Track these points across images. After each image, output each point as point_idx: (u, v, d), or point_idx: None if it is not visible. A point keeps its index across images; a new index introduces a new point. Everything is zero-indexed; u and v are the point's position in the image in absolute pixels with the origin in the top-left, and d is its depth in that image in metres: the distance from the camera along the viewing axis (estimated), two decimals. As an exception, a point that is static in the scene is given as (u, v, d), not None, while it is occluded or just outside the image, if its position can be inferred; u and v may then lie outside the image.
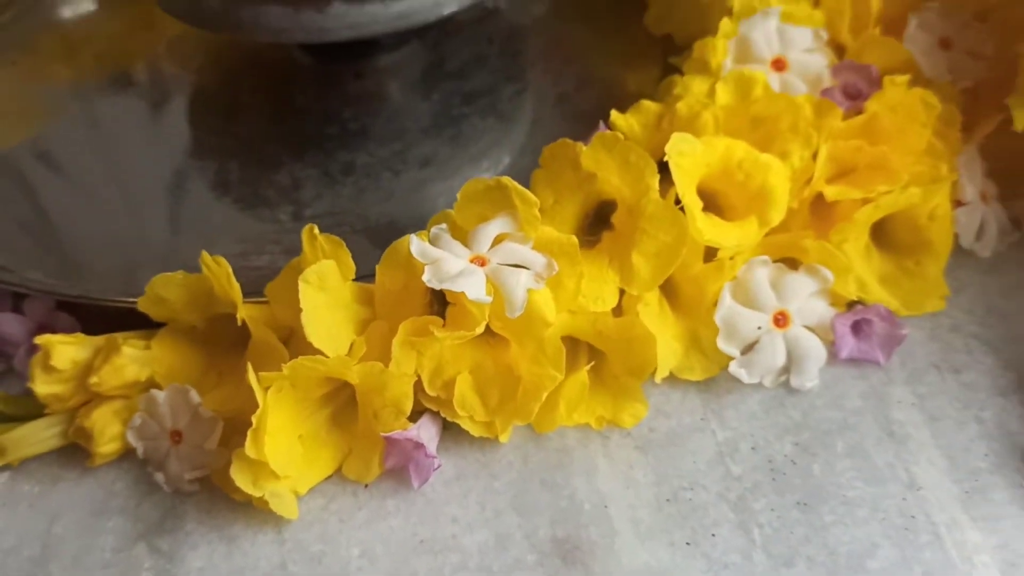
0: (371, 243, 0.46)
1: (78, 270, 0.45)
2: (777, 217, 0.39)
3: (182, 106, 0.56)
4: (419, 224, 0.46)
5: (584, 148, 0.37)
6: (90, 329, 0.39)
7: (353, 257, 0.36)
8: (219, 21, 0.49)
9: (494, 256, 0.35)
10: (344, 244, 0.36)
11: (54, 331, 0.40)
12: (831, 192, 0.40)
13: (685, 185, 0.38)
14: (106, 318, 0.39)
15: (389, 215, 0.47)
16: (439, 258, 0.34)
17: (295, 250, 0.44)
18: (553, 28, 0.59)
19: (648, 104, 0.41)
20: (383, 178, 0.49)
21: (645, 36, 0.55)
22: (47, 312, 0.40)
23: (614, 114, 0.41)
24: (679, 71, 0.47)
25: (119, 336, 0.37)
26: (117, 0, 0.64)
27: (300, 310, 0.35)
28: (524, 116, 0.54)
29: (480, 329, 0.34)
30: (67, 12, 0.63)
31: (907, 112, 0.41)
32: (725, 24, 0.44)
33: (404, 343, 0.35)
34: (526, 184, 0.37)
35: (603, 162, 0.37)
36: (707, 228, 0.37)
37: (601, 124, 0.41)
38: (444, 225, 0.37)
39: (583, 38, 0.58)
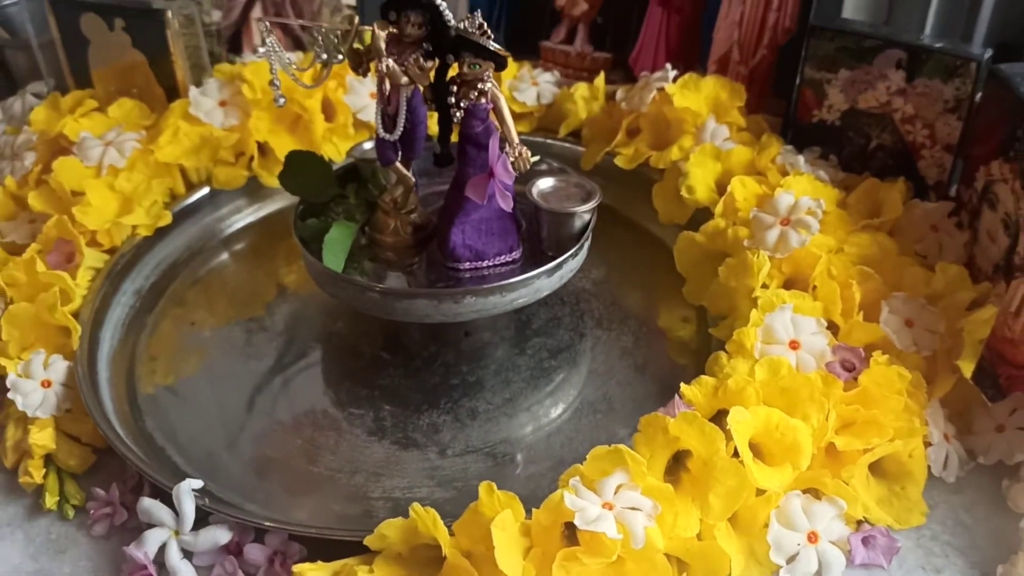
0: (496, 473, 0.62)
1: (289, 503, 0.60)
2: (805, 464, 0.55)
3: (318, 355, 0.72)
4: (530, 455, 0.62)
5: (671, 420, 0.54)
6: (315, 553, 0.54)
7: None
8: (377, 308, 0.66)
9: (618, 501, 0.51)
10: (517, 497, 0.52)
11: (287, 556, 0.55)
12: (840, 443, 0.57)
13: (742, 444, 0.54)
14: (327, 544, 0.54)
15: (509, 452, 0.63)
16: (583, 507, 0.50)
17: (447, 483, 0.61)
18: (610, 291, 0.77)
19: (707, 379, 0.59)
20: (501, 421, 0.65)
21: (684, 300, 0.73)
22: (282, 541, 0.55)
23: (684, 387, 0.58)
24: (719, 340, 0.65)
25: (352, 563, 0.52)
26: (250, 258, 0.82)
27: (479, 540, 0.50)
28: (591, 362, 0.71)
29: (614, 557, 0.50)
30: (209, 271, 0.81)
31: (888, 383, 0.59)
32: (754, 315, 0.62)
33: (560, 566, 0.50)
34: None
35: (685, 430, 0.54)
36: (759, 475, 0.54)
37: (677, 398, 0.58)
38: (578, 478, 0.53)
39: (635, 298, 0.76)
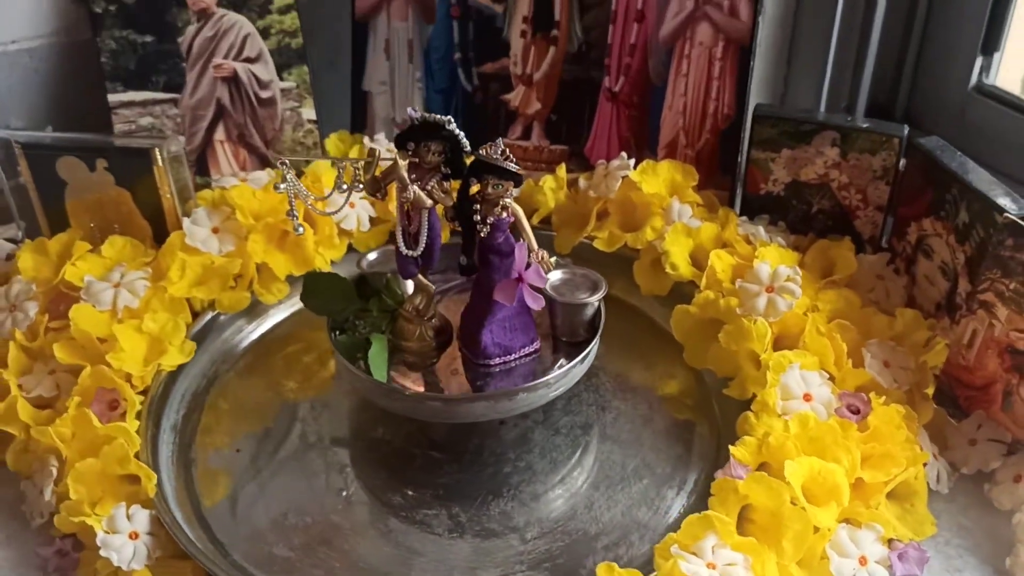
0: (576, 549, 0.69)
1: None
2: (846, 500, 0.66)
3: (371, 464, 0.77)
4: (600, 527, 0.70)
5: (740, 482, 0.64)
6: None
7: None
8: (436, 415, 0.72)
9: (717, 560, 0.60)
10: (639, 572, 0.59)
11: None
12: (867, 477, 0.68)
13: (798, 490, 0.64)
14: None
15: (580, 528, 0.71)
16: (696, 571, 0.59)
17: (537, 565, 0.68)
18: (613, 363, 0.85)
19: (749, 439, 0.69)
20: (562, 500, 0.73)
21: (669, 361, 0.83)
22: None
23: (733, 449, 0.68)
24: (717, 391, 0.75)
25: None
26: (265, 375, 0.86)
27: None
28: (620, 432, 0.79)
29: (728, 609, 0.59)
30: (231, 395, 0.84)
31: (890, 419, 0.70)
32: (771, 376, 0.72)
33: (683, 625, 0.59)
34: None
35: (754, 489, 0.64)
36: (819, 517, 0.64)
37: (732, 460, 0.67)
38: (676, 546, 0.61)
39: (634, 367, 0.85)
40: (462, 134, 0.71)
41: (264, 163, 0.99)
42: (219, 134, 0.97)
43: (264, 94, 0.97)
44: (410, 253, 0.74)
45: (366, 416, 0.81)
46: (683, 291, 0.86)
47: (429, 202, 0.72)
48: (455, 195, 0.73)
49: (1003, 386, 0.73)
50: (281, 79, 0.97)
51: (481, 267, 0.74)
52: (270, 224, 0.88)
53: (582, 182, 0.94)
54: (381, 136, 1.00)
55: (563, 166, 0.95)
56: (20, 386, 0.76)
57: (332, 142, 1.01)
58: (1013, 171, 0.93)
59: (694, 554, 0.61)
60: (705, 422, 0.80)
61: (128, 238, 0.86)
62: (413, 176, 0.72)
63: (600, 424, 0.80)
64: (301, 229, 0.76)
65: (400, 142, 0.73)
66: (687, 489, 0.73)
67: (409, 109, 0.72)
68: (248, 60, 0.96)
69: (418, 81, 0.99)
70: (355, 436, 0.80)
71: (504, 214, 0.72)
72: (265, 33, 0.96)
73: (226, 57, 0.96)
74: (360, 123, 1.03)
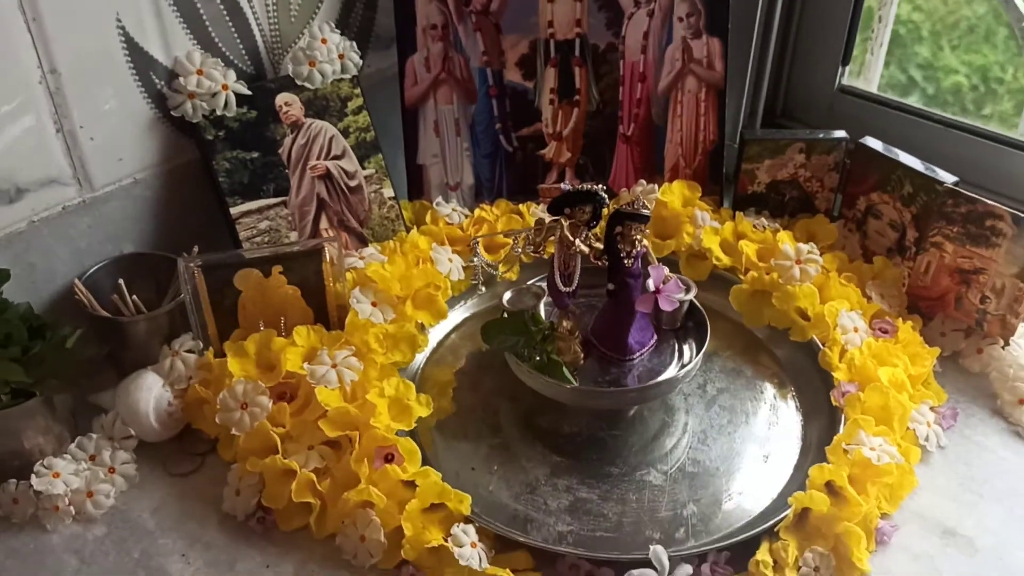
0: (762, 465, 0.99)
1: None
2: (911, 389, 1.01)
3: (581, 453, 1.01)
4: (763, 447, 1.00)
5: (862, 393, 0.97)
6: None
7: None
8: (631, 401, 0.98)
9: (872, 444, 0.93)
10: (822, 464, 0.91)
11: (718, 564, 0.88)
12: (914, 371, 1.03)
13: (892, 389, 0.99)
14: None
15: (753, 453, 1.00)
16: (867, 453, 0.91)
17: (741, 488, 0.96)
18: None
19: (841, 365, 1.02)
20: (725, 437, 1.02)
21: (737, 328, 1.15)
22: (715, 557, 0.88)
23: (837, 374, 1.01)
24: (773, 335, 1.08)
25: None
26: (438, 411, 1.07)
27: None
28: (728, 385, 1.10)
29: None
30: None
31: (909, 332, 1.06)
32: (830, 320, 1.06)
33: (870, 488, 0.91)
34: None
35: (871, 395, 0.97)
36: (907, 402, 0.98)
37: (840, 382, 1.00)
38: (844, 443, 0.93)
39: (707, 338, 1.16)
40: (605, 195, 0.97)
41: (362, 241, 1.16)
42: (323, 223, 1.13)
43: (352, 183, 1.15)
44: (567, 289, 1.00)
45: (546, 419, 1.04)
46: (716, 274, 1.18)
47: (587, 250, 0.98)
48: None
49: (954, 294, 1.12)
50: (363, 168, 1.15)
51: (620, 288, 1.01)
52: (413, 289, 1.08)
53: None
54: (440, 199, 1.21)
55: (597, 198, 1.22)
56: (296, 464, 0.92)
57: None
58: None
59: (856, 444, 0.93)
60: (771, 363, 1.12)
61: (308, 326, 1.02)
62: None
63: (712, 382, 1.09)
64: (483, 288, 0.99)
65: (557, 208, 0.97)
66: (794, 407, 1.05)
67: (563, 184, 0.98)
68: (336, 157, 1.13)
69: (466, 150, 1.21)
70: (552, 435, 1.03)
71: (639, 247, 0.99)
72: (345, 132, 1.14)
73: (318, 158, 1.12)
74: (417, 191, 1.23)
